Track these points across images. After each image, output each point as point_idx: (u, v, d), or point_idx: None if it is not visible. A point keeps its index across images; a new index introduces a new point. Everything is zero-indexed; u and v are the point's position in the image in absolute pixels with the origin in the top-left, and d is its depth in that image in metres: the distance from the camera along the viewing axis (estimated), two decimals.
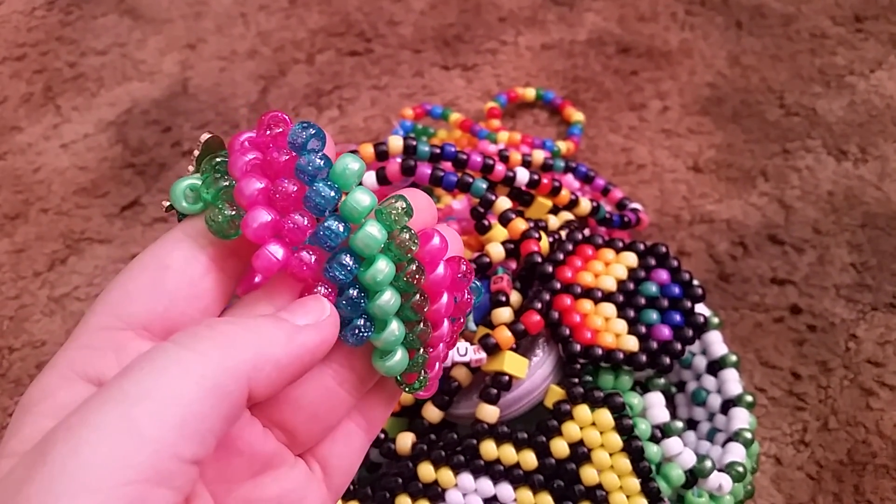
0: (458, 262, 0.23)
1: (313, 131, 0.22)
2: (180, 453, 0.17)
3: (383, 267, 0.21)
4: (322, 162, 0.21)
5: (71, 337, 0.21)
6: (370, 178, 0.38)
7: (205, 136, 0.22)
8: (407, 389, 0.23)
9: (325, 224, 0.21)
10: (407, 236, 0.21)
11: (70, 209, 0.54)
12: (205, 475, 0.20)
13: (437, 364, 0.24)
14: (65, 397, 0.20)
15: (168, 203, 0.22)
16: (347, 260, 0.21)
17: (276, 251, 0.21)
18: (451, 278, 0.23)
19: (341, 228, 0.21)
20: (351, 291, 0.21)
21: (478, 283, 0.24)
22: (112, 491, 0.16)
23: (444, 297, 0.23)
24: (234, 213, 0.21)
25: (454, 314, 0.23)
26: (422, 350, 0.23)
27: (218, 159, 0.22)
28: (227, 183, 0.21)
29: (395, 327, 0.22)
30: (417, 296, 0.22)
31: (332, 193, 0.21)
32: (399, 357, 0.22)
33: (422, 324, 0.22)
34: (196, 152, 0.22)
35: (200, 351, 0.18)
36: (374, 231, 0.21)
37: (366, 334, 0.21)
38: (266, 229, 0.21)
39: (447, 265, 0.22)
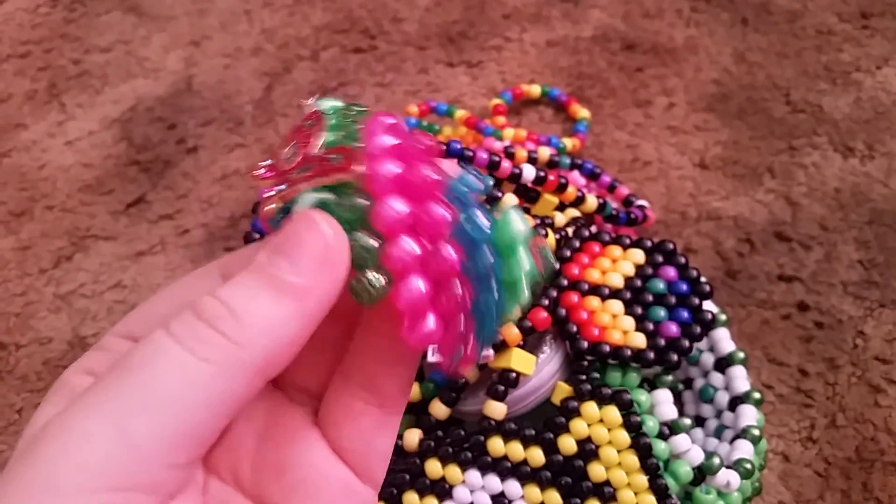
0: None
1: (481, 186, 0.19)
2: (175, 461, 0.17)
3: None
4: (487, 222, 0.19)
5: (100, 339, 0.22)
6: None
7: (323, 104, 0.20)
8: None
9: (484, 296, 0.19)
10: None
11: (75, 206, 0.54)
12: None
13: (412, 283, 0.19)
14: (75, 388, 0.20)
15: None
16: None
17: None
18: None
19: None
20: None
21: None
22: (97, 496, 0.16)
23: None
24: (385, 282, 0.19)
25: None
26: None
27: (356, 192, 0.19)
28: (375, 245, 0.19)
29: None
30: None
31: (491, 261, 0.19)
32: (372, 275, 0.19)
33: None
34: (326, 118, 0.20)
35: (204, 357, 0.17)
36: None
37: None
38: (423, 306, 0.19)
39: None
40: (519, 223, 0.19)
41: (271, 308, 0.18)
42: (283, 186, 0.19)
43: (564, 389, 0.36)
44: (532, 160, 0.45)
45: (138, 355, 0.17)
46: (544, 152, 0.46)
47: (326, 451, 0.22)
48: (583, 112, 0.56)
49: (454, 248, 0.18)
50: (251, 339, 0.17)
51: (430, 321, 0.18)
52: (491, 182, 0.20)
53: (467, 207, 0.19)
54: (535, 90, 0.57)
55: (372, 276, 0.18)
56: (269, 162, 0.20)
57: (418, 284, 0.18)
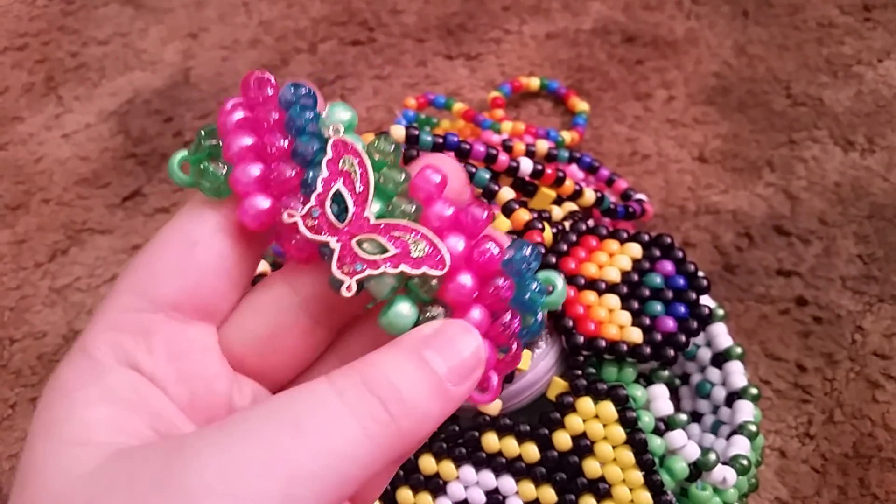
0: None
1: (304, 91, 0.21)
2: None
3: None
4: (311, 115, 0.21)
5: (95, 319, 0.20)
6: None
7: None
8: None
9: (308, 175, 0.20)
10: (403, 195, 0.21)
11: (71, 200, 0.54)
12: None
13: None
14: (113, 382, 0.19)
15: None
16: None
17: (262, 202, 0.20)
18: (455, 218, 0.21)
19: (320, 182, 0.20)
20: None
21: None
22: None
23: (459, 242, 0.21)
24: (224, 170, 0.20)
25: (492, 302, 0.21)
26: (437, 310, 0.20)
27: (209, 127, 0.22)
28: (215, 142, 0.21)
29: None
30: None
31: (317, 146, 0.20)
32: (401, 308, 0.20)
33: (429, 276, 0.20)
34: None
35: (370, 434, 0.17)
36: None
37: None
38: (253, 181, 0.20)
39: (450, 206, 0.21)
40: (342, 111, 0.21)
41: (429, 405, 0.18)
42: (360, 267, 0.20)
43: (560, 385, 0.36)
44: (530, 153, 0.44)
45: (305, 412, 0.17)
46: (542, 145, 0.46)
47: None
48: (582, 105, 0.56)
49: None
50: (410, 429, 0.18)
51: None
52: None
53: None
54: (534, 83, 0.57)
55: (213, 165, 0.21)
56: (312, 206, 0.20)
57: (252, 168, 0.20)
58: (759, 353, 0.44)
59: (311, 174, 0.20)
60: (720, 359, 0.40)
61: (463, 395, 0.19)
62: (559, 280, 0.21)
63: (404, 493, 0.35)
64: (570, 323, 0.36)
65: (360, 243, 0.20)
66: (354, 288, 0.20)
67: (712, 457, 0.35)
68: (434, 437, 0.35)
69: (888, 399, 0.42)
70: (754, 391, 0.39)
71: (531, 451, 0.34)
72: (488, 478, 0.35)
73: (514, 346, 0.21)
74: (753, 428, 0.37)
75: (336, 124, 0.21)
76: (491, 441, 0.35)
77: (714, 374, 0.40)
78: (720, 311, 0.41)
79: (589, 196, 0.43)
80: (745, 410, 0.38)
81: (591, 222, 0.41)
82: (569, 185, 0.42)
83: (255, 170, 0.20)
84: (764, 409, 0.42)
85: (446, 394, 0.19)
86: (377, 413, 0.18)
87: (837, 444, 0.41)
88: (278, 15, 0.65)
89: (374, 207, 0.21)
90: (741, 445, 0.36)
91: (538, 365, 0.36)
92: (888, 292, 0.46)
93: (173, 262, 0.20)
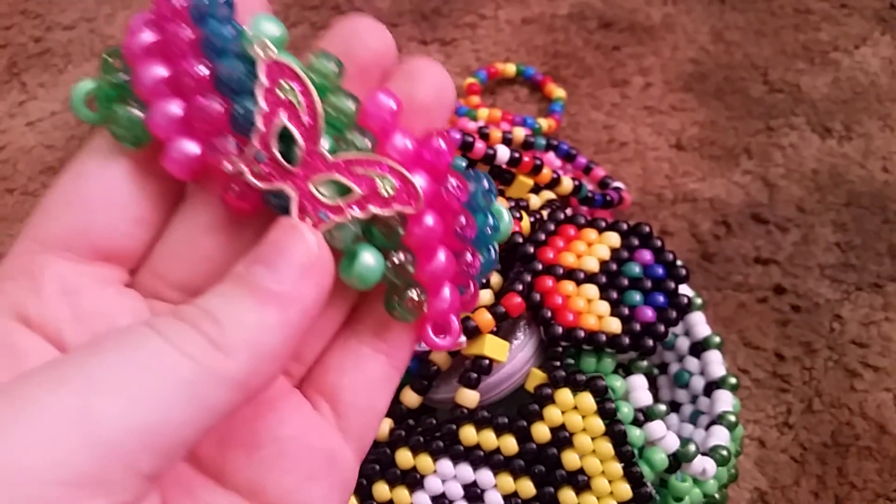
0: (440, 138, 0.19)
1: (494, 192, 0.20)
2: (136, 465, 0.15)
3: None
4: (232, 30, 0.18)
5: None
6: None
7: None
8: (397, 312, 0.20)
9: (237, 103, 0.18)
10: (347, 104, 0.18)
11: (36, 189, 0.52)
12: None
13: (444, 294, 0.20)
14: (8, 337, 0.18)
15: None
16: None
17: (189, 147, 0.18)
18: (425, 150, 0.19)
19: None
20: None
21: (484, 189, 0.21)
22: (39, 488, 0.14)
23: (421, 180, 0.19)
24: (138, 112, 0.18)
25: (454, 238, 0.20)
26: (403, 256, 0.19)
27: (114, 49, 0.18)
28: (127, 78, 0.18)
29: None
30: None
31: (244, 70, 0.18)
32: (367, 259, 0.18)
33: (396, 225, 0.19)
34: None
35: (188, 353, 0.16)
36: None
37: None
38: (175, 123, 0.18)
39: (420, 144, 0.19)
40: (269, 25, 0.18)
41: (253, 316, 0.17)
42: (324, 215, 0.18)
43: (538, 376, 0.35)
44: (507, 141, 0.44)
45: (114, 340, 0.16)
46: (519, 133, 0.45)
47: (310, 418, 0.20)
48: (558, 92, 0.55)
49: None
50: (234, 347, 0.16)
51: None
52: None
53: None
54: (510, 69, 0.56)
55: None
56: (256, 151, 0.18)
57: (170, 105, 0.18)
58: (737, 342, 0.44)
59: (241, 107, 0.18)
60: (698, 348, 0.39)
61: (307, 294, 0.17)
62: (505, 211, 0.20)
63: (380, 488, 0.34)
64: (549, 313, 0.36)
65: (317, 187, 0.18)
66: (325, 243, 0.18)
67: (692, 448, 0.34)
68: (410, 431, 0.35)
69: (866, 388, 0.42)
70: (733, 381, 0.38)
71: (509, 444, 0.34)
72: (466, 471, 0.34)
73: (472, 287, 0.20)
74: (732, 418, 0.37)
75: (263, 41, 0.17)
76: (468, 434, 0.34)
77: (692, 363, 0.40)
78: (698, 300, 0.40)
79: (566, 184, 0.42)
80: (724, 400, 0.38)
81: (568, 211, 0.40)
82: (546, 174, 0.41)
83: (175, 108, 0.18)
84: (743, 399, 0.42)
85: (273, 296, 0.17)
86: (189, 334, 0.16)
87: (816, 433, 0.41)
88: None
89: (323, 144, 0.18)
90: (720, 436, 0.36)
91: (516, 356, 0.36)
92: (866, 280, 0.46)
93: (61, 199, 0.19)
